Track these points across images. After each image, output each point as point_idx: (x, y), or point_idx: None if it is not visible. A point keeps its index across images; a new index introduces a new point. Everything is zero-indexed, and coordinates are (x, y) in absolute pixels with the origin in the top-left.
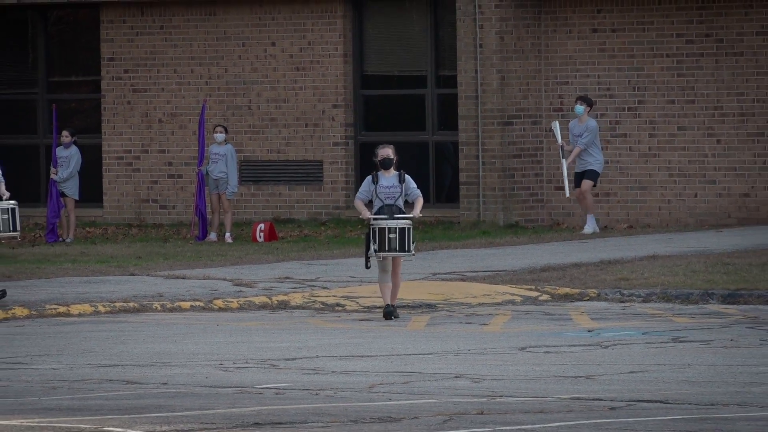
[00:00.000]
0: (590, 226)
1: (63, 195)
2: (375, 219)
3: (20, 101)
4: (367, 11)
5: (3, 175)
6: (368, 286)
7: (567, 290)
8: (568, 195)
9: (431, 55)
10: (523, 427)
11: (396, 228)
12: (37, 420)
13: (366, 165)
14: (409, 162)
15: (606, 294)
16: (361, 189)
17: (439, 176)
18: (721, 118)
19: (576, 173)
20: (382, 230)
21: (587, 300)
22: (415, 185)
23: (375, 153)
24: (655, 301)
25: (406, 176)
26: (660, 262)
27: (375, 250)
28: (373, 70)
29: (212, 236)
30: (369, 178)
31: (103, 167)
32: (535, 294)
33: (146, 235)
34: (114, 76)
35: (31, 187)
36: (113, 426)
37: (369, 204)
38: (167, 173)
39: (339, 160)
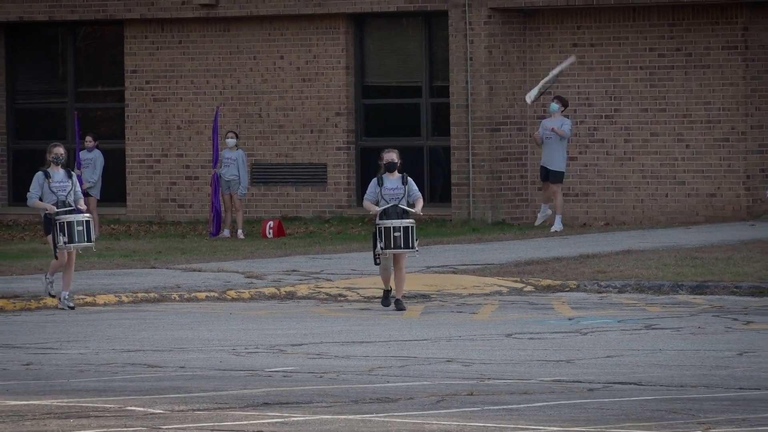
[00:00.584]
0: (558, 225)
1: (86, 194)
2: (381, 219)
3: (51, 110)
4: (368, 27)
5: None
6: (368, 278)
7: (549, 282)
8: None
9: (426, 67)
10: (509, 406)
11: (401, 227)
12: (66, 400)
13: (366, 168)
14: (405, 165)
15: (585, 285)
16: (368, 191)
17: (433, 178)
18: (690, 125)
19: (541, 166)
20: (388, 229)
21: (568, 291)
22: (416, 187)
23: (380, 157)
24: (630, 292)
25: (409, 179)
26: (634, 256)
27: (382, 248)
28: (373, 81)
29: (225, 233)
30: (374, 180)
31: (127, 170)
32: (520, 285)
33: (166, 231)
34: (136, 87)
35: None
36: (135, 406)
37: (375, 204)
38: (185, 175)
39: (342, 163)
